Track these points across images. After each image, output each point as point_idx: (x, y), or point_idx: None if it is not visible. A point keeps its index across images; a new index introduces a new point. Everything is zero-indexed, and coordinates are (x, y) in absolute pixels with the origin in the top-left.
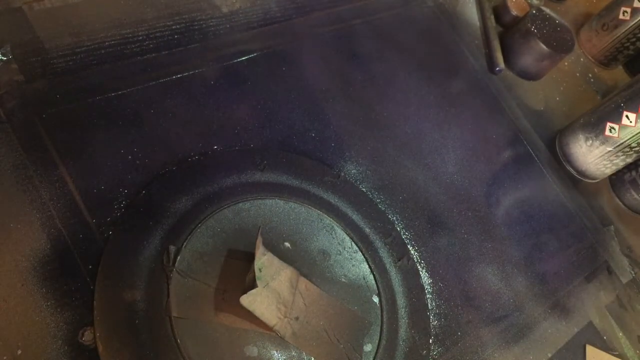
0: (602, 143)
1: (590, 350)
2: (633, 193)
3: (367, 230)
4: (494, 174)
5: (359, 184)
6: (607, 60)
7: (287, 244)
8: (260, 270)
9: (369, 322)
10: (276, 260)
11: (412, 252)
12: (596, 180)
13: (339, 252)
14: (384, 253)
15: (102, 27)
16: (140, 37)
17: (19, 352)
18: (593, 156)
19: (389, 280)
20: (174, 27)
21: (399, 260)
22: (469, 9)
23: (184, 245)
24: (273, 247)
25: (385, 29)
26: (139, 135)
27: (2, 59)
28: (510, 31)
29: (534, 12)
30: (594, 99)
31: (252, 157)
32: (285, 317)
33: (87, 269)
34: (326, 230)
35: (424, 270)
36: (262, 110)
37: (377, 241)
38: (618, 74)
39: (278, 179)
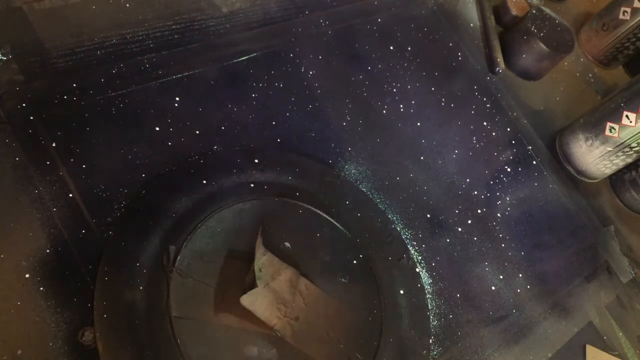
0: (602, 143)
1: (590, 350)
2: (633, 193)
3: (367, 230)
4: (494, 174)
5: (359, 184)
6: (607, 60)
7: (287, 244)
8: (260, 270)
9: (369, 322)
10: (276, 260)
11: (412, 252)
12: (596, 180)
13: (339, 252)
14: (384, 253)
15: (102, 27)
16: (140, 37)
17: (19, 352)
18: (593, 156)
19: (389, 280)
20: (174, 27)
21: (399, 260)
22: (469, 9)
23: (184, 245)
24: (273, 247)
25: (385, 29)
26: (139, 135)
27: (2, 59)
28: (510, 31)
29: (534, 12)
30: (594, 99)
31: (252, 157)
32: (285, 317)
33: (87, 269)
34: (326, 230)
35: (424, 270)
36: (262, 110)
37: (377, 241)
38: (618, 74)
39: (278, 179)
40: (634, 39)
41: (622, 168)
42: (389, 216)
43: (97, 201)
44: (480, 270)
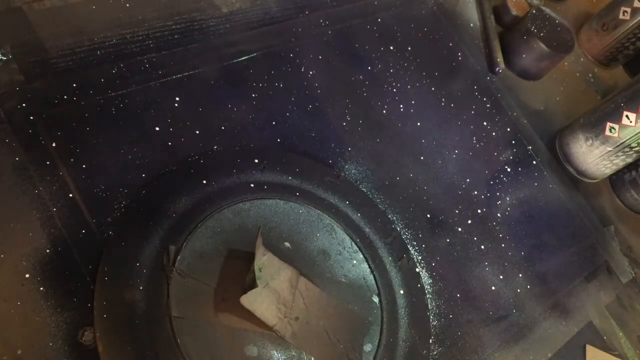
0: (602, 143)
1: (590, 350)
2: (633, 193)
3: (367, 230)
4: (494, 174)
5: (359, 184)
6: (607, 60)
7: (287, 244)
8: (260, 270)
9: (369, 322)
10: (276, 260)
11: (412, 252)
12: (596, 180)
13: (339, 252)
14: (384, 253)
15: (102, 27)
16: (140, 37)
17: (19, 352)
18: (593, 156)
19: (389, 280)
20: (174, 27)
21: (399, 260)
22: (469, 9)
23: (184, 245)
24: (273, 247)
25: (385, 29)
26: (139, 135)
27: (2, 59)
28: (510, 31)
29: (534, 12)
30: (594, 99)
31: (252, 157)
32: (285, 317)
33: (87, 269)
34: (326, 230)
35: (424, 270)
36: (262, 110)
37: (377, 241)
38: (618, 74)
39: (278, 179)
40: (634, 39)
41: (622, 168)
42: (389, 216)
43: (97, 201)
44: (480, 270)
